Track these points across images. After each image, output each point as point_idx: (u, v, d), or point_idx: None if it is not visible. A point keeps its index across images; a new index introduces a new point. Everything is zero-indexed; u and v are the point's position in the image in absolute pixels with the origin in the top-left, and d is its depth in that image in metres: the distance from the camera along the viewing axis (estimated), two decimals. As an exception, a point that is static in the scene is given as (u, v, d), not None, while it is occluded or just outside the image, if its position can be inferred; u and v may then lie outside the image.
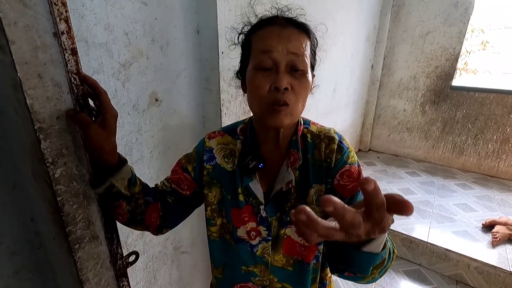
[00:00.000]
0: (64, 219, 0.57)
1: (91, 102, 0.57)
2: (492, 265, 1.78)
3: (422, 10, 2.95)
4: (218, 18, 0.98)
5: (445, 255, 1.94)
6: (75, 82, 0.53)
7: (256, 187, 0.65)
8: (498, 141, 2.88)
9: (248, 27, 0.64)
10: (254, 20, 0.63)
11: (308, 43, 0.59)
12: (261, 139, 0.67)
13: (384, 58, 3.25)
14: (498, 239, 1.93)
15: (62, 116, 0.53)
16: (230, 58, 1.06)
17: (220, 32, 1.00)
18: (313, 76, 0.64)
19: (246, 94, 0.64)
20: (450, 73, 2.96)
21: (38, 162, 0.53)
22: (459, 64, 3.00)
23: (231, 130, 0.72)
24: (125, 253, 0.72)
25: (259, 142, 0.67)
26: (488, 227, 2.09)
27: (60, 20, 0.49)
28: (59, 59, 0.50)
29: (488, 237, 2.01)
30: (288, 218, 0.64)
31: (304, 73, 0.57)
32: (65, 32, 0.50)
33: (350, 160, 0.63)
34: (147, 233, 1.05)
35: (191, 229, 1.25)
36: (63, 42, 0.50)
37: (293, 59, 0.55)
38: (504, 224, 2.02)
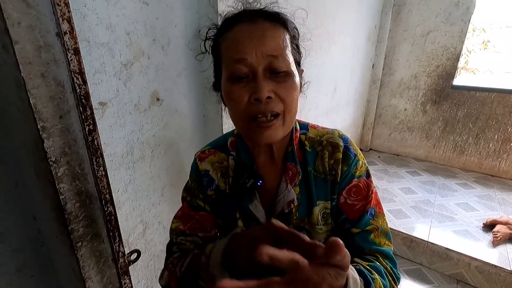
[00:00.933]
0: (67, 217, 0.58)
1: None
2: (493, 265, 1.78)
3: (423, 9, 2.94)
4: (219, 18, 0.98)
5: (446, 254, 1.94)
6: (77, 81, 0.53)
7: (257, 208, 0.56)
8: (499, 141, 2.87)
9: (214, 30, 0.55)
10: (219, 22, 0.55)
11: (287, 36, 0.50)
12: (254, 152, 0.59)
13: (385, 57, 3.25)
14: (499, 238, 1.93)
15: (64, 115, 0.53)
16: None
17: (221, 31, 1.00)
18: (301, 71, 0.55)
19: (226, 109, 0.55)
20: (451, 73, 2.95)
21: (41, 160, 0.54)
22: (460, 64, 2.99)
23: (221, 145, 0.63)
24: (127, 251, 0.73)
25: (253, 155, 0.59)
26: (489, 226, 2.09)
27: (63, 20, 0.49)
28: (61, 59, 0.51)
29: (489, 237, 2.01)
30: None
31: (288, 73, 0.49)
32: (67, 32, 0.50)
33: (358, 172, 0.56)
34: (148, 231, 1.05)
35: (192, 228, 1.25)
36: (66, 42, 0.50)
37: (271, 61, 0.47)
38: (505, 223, 2.02)
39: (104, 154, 0.82)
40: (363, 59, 2.94)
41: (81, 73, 0.54)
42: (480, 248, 1.91)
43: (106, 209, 0.63)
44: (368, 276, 0.45)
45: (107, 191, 0.63)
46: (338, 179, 0.55)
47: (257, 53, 0.46)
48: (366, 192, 0.56)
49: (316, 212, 0.55)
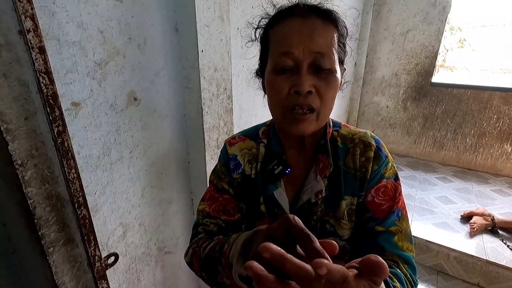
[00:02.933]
0: (37, 222, 0.56)
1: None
2: (470, 255, 1.86)
3: (402, 8, 3.02)
4: (196, 16, 0.97)
5: (426, 246, 2.01)
6: (44, 81, 0.51)
7: (281, 196, 0.58)
8: (475, 136, 2.99)
9: (266, 19, 0.56)
10: (272, 11, 0.55)
11: (336, 35, 0.51)
12: (285, 143, 0.61)
13: (367, 56, 3.31)
14: (475, 229, 2.01)
15: (31, 117, 0.51)
16: (210, 56, 1.06)
17: (199, 30, 0.99)
18: (344, 70, 0.57)
19: (265, 96, 0.57)
20: (429, 70, 3.05)
21: (6, 164, 0.52)
22: (438, 61, 3.09)
23: (252, 134, 0.65)
24: (105, 255, 0.71)
25: (283, 145, 0.61)
26: (466, 218, 2.17)
27: (25, 17, 0.48)
28: (25, 58, 0.49)
29: (466, 228, 2.09)
30: (315, 233, 0.54)
31: (331, 71, 0.50)
32: (31, 30, 0.48)
33: (388, 173, 0.56)
34: (129, 234, 1.03)
35: (175, 229, 1.24)
36: (30, 40, 0.48)
37: (317, 58, 0.48)
38: (481, 215, 2.10)
39: (78, 155, 0.80)
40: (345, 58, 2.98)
41: (48, 72, 0.52)
42: (458, 240, 1.99)
43: (79, 212, 0.62)
44: (391, 285, 0.46)
45: (80, 194, 0.61)
46: (368, 177, 0.55)
47: (305, 49, 0.47)
48: (393, 194, 0.56)
49: (343, 206, 0.56)
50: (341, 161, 0.57)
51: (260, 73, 0.59)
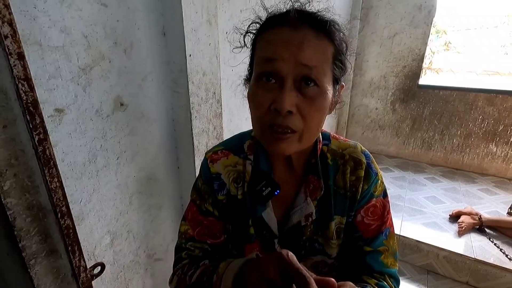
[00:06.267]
0: (17, 234, 0.54)
1: None
2: (459, 254, 1.89)
3: (389, 12, 3.07)
4: (184, 20, 0.96)
5: (416, 246, 2.03)
6: (23, 88, 0.50)
7: (270, 217, 0.55)
8: (462, 136, 3.06)
9: (258, 24, 0.51)
10: (264, 15, 0.50)
11: (331, 49, 0.45)
12: (272, 159, 0.57)
13: (356, 59, 3.35)
14: (463, 228, 2.04)
15: (9, 125, 0.50)
16: (198, 61, 1.05)
17: (187, 34, 0.98)
18: (341, 87, 0.52)
19: None
20: (416, 73, 3.10)
21: (-17, 174, 0.50)
22: (425, 64, 3.16)
23: (236, 147, 0.60)
24: (91, 264, 0.69)
25: (272, 162, 0.57)
26: (454, 217, 2.21)
27: (3, 23, 0.46)
28: (3, 64, 0.47)
29: (455, 227, 2.12)
30: (303, 252, 0.56)
31: (320, 91, 0.44)
32: (9, 35, 0.47)
33: (377, 191, 0.56)
34: (116, 242, 1.01)
35: (165, 235, 1.22)
36: (7, 46, 0.47)
37: (304, 72, 0.43)
38: (469, 214, 2.15)
39: (63, 163, 0.78)
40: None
41: (28, 79, 0.50)
42: (447, 239, 2.02)
43: (62, 222, 0.60)
44: None
45: (64, 203, 0.59)
46: (358, 197, 0.54)
47: (291, 59, 0.42)
48: (382, 212, 0.56)
49: (332, 226, 0.55)
50: (331, 180, 0.55)
51: (248, 80, 0.55)
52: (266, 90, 0.44)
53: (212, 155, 0.60)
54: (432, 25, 2.94)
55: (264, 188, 0.53)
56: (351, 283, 0.37)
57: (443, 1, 3.00)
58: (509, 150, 2.86)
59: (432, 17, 2.89)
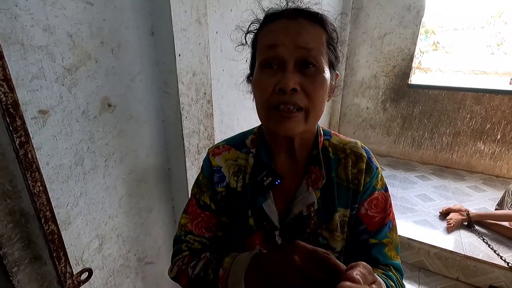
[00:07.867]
0: (-2, 241, 0.52)
1: None
2: (449, 250, 1.92)
3: (379, 13, 3.10)
4: (172, 20, 0.95)
5: (408, 244, 2.06)
6: (2, 89, 0.48)
7: (271, 209, 0.55)
8: (450, 135, 3.11)
9: (257, 24, 0.56)
10: (262, 15, 0.55)
11: (324, 36, 0.50)
12: (274, 151, 0.58)
13: (347, 59, 3.38)
14: (452, 225, 2.08)
15: (-12, 127, 0.47)
16: (188, 60, 1.04)
17: (176, 33, 0.97)
18: (336, 75, 0.56)
19: (254, 100, 0.55)
20: (406, 72, 3.15)
21: (-40, 179, 0.47)
22: (414, 64, 3.20)
23: (238, 143, 0.62)
24: (79, 270, 0.67)
25: (273, 152, 0.58)
26: (444, 214, 2.24)
27: (-21, 21, 0.44)
28: (-20, 64, 0.45)
29: (445, 224, 2.16)
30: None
31: (319, 70, 0.48)
32: (-14, 34, 0.45)
33: (378, 184, 0.57)
34: (105, 246, 0.99)
35: (155, 238, 1.20)
36: (-15, 45, 0.45)
37: (303, 54, 0.47)
38: (458, 211, 2.18)
39: (47, 166, 0.76)
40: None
41: (7, 79, 0.48)
42: (437, 236, 2.05)
43: (47, 227, 0.58)
44: (387, 284, 0.49)
45: (47, 207, 0.57)
46: (361, 189, 0.55)
47: (290, 44, 0.46)
48: (384, 205, 0.57)
49: (336, 218, 0.55)
50: (334, 172, 0.56)
51: (251, 78, 0.58)
52: (270, 75, 0.48)
53: (214, 150, 0.63)
54: (421, 25, 2.99)
55: (265, 178, 0.54)
56: (364, 263, 0.37)
57: (431, 1, 3.04)
58: (496, 147, 2.92)
59: (421, 17, 2.93)
